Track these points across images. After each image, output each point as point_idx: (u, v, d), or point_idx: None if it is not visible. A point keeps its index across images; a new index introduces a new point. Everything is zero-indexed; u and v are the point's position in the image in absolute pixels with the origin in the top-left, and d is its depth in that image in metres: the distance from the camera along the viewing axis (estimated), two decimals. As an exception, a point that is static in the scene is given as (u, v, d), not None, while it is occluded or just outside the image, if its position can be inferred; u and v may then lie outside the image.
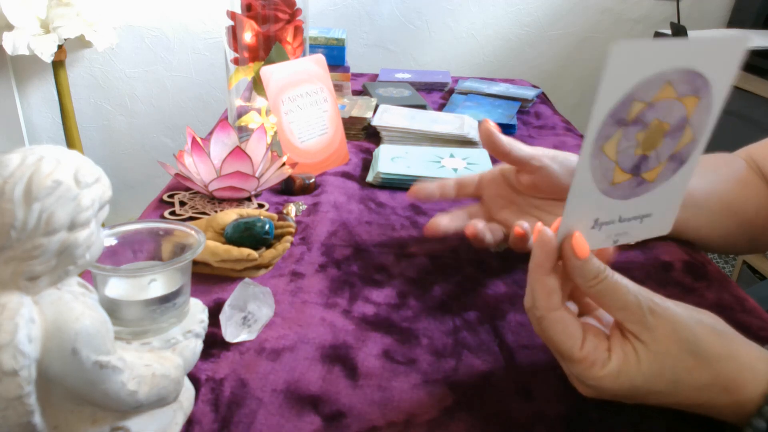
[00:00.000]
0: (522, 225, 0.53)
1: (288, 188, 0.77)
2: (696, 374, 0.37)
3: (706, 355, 0.38)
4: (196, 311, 0.45)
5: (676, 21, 1.78)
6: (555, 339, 0.39)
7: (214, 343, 0.48)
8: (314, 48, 1.17)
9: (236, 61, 0.89)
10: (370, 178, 0.81)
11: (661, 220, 0.45)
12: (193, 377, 0.44)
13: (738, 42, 0.38)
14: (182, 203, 0.72)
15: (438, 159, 0.84)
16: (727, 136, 1.60)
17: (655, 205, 0.43)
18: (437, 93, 1.31)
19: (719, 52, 0.38)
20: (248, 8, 0.87)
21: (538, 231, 0.40)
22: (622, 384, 0.38)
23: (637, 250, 0.65)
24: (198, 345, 0.42)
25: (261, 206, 0.73)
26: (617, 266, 0.62)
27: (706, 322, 0.39)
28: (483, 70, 1.92)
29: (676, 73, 0.37)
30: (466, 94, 1.23)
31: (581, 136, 1.05)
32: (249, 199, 0.74)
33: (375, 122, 0.95)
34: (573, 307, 0.45)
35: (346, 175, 0.83)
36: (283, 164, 0.75)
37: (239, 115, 0.94)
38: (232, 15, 0.87)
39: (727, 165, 0.68)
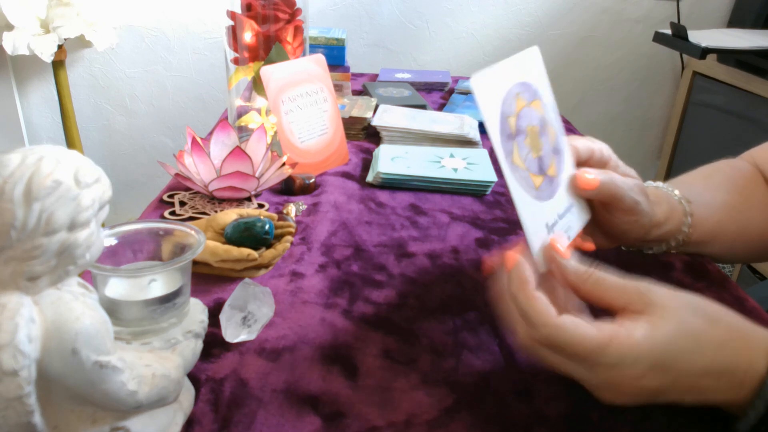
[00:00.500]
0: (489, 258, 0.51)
1: (288, 188, 0.77)
2: (710, 331, 0.39)
3: (711, 315, 0.39)
4: (196, 311, 0.45)
5: (676, 21, 1.78)
6: (574, 340, 0.38)
7: (214, 343, 0.48)
8: (314, 48, 1.17)
9: (236, 61, 0.89)
10: (370, 178, 0.81)
11: (581, 207, 0.50)
12: (193, 377, 0.44)
13: (532, 51, 0.47)
14: (182, 203, 0.72)
15: (438, 159, 0.84)
16: (729, 136, 1.60)
17: (570, 195, 0.48)
18: (437, 93, 1.31)
19: (526, 61, 0.46)
20: (248, 8, 0.87)
21: (511, 257, 0.41)
22: (658, 343, 0.37)
23: (637, 250, 0.65)
24: (198, 345, 0.42)
25: (261, 206, 0.73)
26: (618, 267, 0.62)
27: (694, 295, 0.41)
28: (483, 70, 1.92)
29: (517, 87, 0.44)
30: (466, 94, 1.23)
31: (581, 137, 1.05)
32: (249, 199, 0.74)
33: (375, 122, 0.95)
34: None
35: (346, 175, 0.83)
36: (283, 164, 0.75)
37: (239, 115, 0.94)
38: (232, 15, 0.87)
39: (735, 180, 0.66)
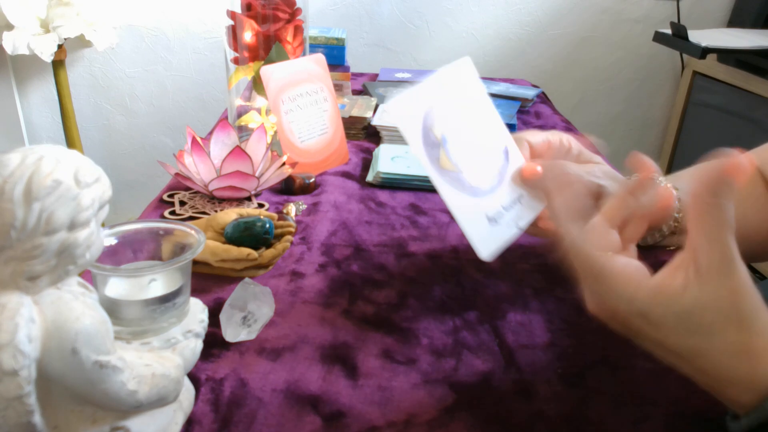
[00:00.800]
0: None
1: (288, 188, 0.77)
2: (726, 332, 0.36)
3: (745, 321, 0.36)
4: (196, 311, 0.45)
5: (676, 21, 1.78)
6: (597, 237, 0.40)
7: (214, 343, 0.48)
8: (314, 48, 1.17)
9: (236, 61, 0.89)
10: (370, 177, 0.81)
11: (533, 197, 0.51)
12: (193, 377, 0.44)
13: (460, 63, 0.50)
14: (182, 203, 0.72)
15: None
16: (729, 136, 1.60)
17: (517, 187, 0.50)
18: (437, 93, 1.31)
19: (449, 78, 0.48)
20: (248, 8, 0.87)
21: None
22: (659, 301, 0.36)
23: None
24: (198, 345, 0.42)
25: (261, 206, 0.73)
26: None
27: (753, 299, 0.37)
28: (483, 70, 1.92)
29: (437, 102, 0.47)
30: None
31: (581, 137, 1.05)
32: (249, 198, 0.74)
33: (375, 122, 0.95)
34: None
35: (346, 174, 0.83)
36: (283, 164, 0.75)
37: (239, 115, 0.94)
38: (232, 15, 0.87)
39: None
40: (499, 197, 0.49)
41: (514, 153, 0.51)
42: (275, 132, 0.83)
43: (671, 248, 0.65)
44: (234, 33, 0.88)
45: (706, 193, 0.37)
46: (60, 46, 1.60)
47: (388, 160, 0.82)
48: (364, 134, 1.00)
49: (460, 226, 0.46)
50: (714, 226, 0.37)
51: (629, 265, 0.39)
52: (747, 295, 0.36)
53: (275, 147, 0.81)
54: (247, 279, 0.51)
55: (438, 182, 0.46)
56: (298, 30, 0.90)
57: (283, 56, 0.85)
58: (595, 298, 0.40)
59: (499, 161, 0.50)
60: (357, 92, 1.24)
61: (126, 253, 0.44)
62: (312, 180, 0.78)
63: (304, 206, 0.73)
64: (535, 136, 0.54)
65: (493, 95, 1.21)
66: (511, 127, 1.04)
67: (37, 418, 0.32)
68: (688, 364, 0.38)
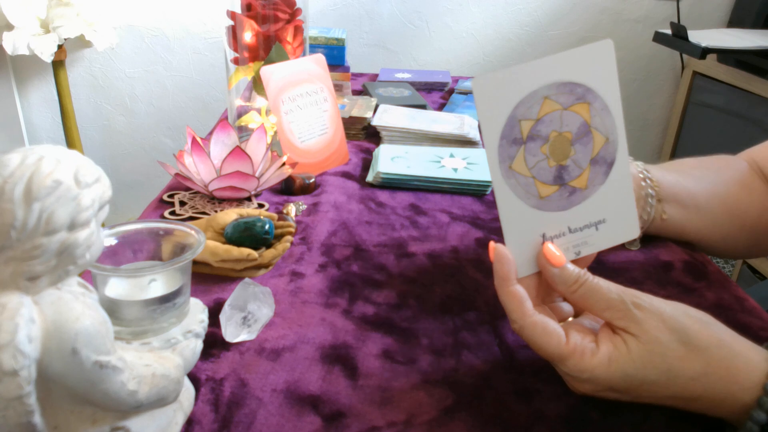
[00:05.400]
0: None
1: (288, 188, 0.77)
2: (688, 362, 0.38)
3: (696, 344, 0.38)
4: (196, 311, 0.45)
5: (676, 21, 1.78)
6: (539, 342, 0.40)
7: (214, 343, 0.48)
8: (314, 48, 1.17)
9: (236, 61, 0.89)
10: (370, 178, 0.81)
11: (621, 225, 0.45)
12: (193, 377, 0.44)
13: (603, 45, 0.41)
14: (182, 203, 0.72)
15: (438, 159, 0.84)
16: (729, 136, 1.60)
17: (604, 210, 0.44)
18: (437, 93, 1.31)
19: (586, 59, 0.40)
20: (248, 8, 0.87)
21: (492, 249, 0.41)
22: (614, 373, 0.38)
23: (637, 250, 0.65)
24: (198, 345, 0.42)
25: (261, 206, 0.73)
26: (618, 267, 0.62)
27: (692, 315, 0.40)
28: (483, 70, 1.92)
29: (551, 89, 0.39)
30: (466, 94, 1.23)
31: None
32: (249, 199, 0.74)
33: (375, 122, 0.95)
34: (568, 307, 0.45)
35: (346, 175, 0.83)
36: (283, 164, 0.75)
37: (239, 115, 0.94)
38: (232, 15, 0.87)
39: (729, 167, 0.67)
40: (572, 216, 0.43)
41: (621, 170, 0.43)
42: (275, 132, 0.83)
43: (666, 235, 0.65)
44: (234, 33, 0.88)
45: (566, 286, 0.41)
46: (60, 47, 1.60)
47: (388, 160, 0.82)
48: (364, 134, 1.00)
49: (506, 241, 0.41)
50: (596, 299, 0.40)
51: (577, 343, 0.40)
52: (671, 321, 0.39)
53: (275, 147, 0.81)
54: (247, 279, 0.51)
55: (498, 185, 0.40)
56: (298, 30, 0.90)
57: (283, 56, 0.85)
58: (569, 380, 0.42)
59: (597, 176, 0.43)
60: (357, 92, 1.24)
61: (126, 253, 0.44)
62: (312, 180, 0.78)
63: (304, 206, 0.73)
64: None
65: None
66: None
67: (37, 419, 0.32)
68: (669, 405, 0.40)
